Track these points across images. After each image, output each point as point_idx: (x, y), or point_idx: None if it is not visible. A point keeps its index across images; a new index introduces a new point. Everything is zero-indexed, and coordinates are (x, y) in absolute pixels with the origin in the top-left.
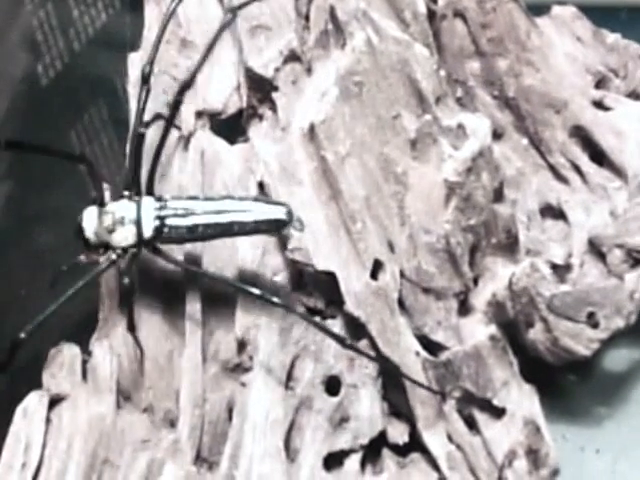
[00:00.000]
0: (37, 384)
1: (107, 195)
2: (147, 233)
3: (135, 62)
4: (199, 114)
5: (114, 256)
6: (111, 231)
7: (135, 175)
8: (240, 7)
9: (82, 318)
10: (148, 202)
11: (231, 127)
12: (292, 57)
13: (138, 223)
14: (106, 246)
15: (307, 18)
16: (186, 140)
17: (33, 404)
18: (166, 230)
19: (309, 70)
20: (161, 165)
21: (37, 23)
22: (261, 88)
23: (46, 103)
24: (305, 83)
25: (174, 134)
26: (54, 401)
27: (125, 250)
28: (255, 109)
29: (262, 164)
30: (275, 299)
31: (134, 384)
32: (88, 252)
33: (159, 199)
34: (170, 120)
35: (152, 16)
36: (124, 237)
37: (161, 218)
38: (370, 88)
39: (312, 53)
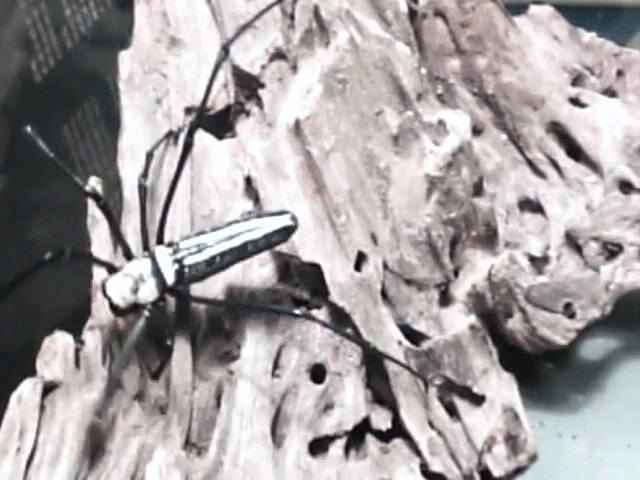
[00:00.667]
0: (31, 372)
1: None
2: (170, 280)
3: (125, 60)
4: (188, 110)
5: (146, 313)
6: (135, 291)
7: (143, 230)
8: (231, 41)
9: (75, 308)
10: (161, 251)
11: (219, 123)
12: (278, 55)
13: (158, 274)
14: (136, 306)
15: (292, 17)
16: (175, 135)
17: (27, 391)
18: (186, 271)
19: (294, 68)
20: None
21: (31, 22)
22: (248, 85)
23: (40, 99)
24: (290, 80)
25: (164, 129)
26: (48, 388)
27: (154, 303)
28: (242, 105)
29: (249, 159)
30: (297, 311)
31: (125, 372)
32: (121, 317)
33: (170, 244)
34: (180, 165)
35: (142, 15)
36: (149, 292)
37: (178, 261)
38: (353, 85)
39: (297, 51)
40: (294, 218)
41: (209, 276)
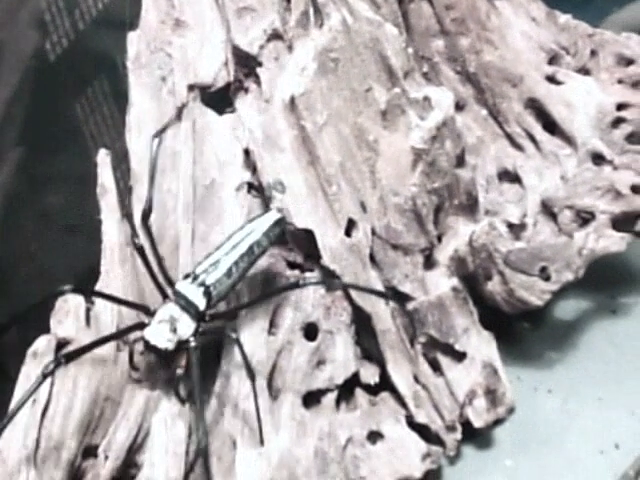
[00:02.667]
0: (45, 329)
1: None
2: (201, 305)
3: (133, 40)
4: (191, 87)
5: (193, 344)
6: (175, 330)
7: (161, 269)
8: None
9: (86, 270)
10: (182, 284)
11: (220, 99)
12: (275, 36)
13: (189, 306)
14: (180, 343)
15: (288, 0)
16: (179, 111)
17: (42, 347)
18: (212, 290)
19: (290, 47)
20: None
21: (45, 5)
22: (247, 64)
23: (53, 77)
24: (286, 59)
25: (169, 105)
26: (61, 344)
27: (195, 334)
28: (241, 83)
29: (247, 132)
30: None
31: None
32: (174, 359)
33: (187, 276)
34: None
35: None
36: (187, 326)
37: (202, 284)
38: (345, 64)
39: (293, 32)
40: (279, 210)
41: (232, 289)
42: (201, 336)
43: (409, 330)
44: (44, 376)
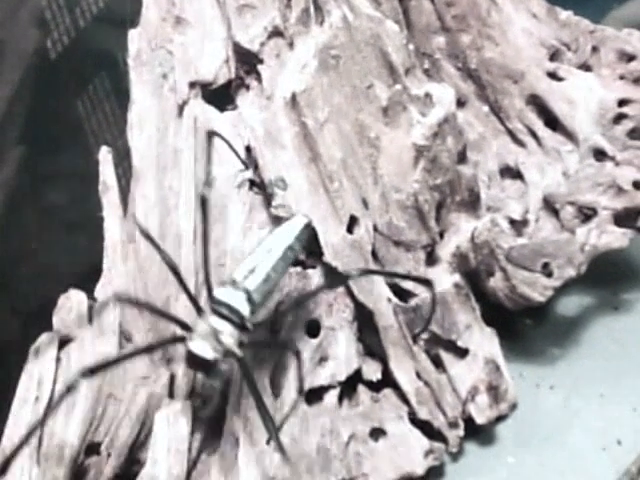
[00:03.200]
0: (48, 327)
1: None
2: (246, 311)
3: (134, 38)
4: (192, 84)
5: (239, 353)
6: (219, 341)
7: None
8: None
9: (88, 268)
10: (221, 292)
11: (221, 96)
12: (276, 33)
13: (232, 312)
14: (226, 354)
15: None
16: (180, 108)
17: (45, 344)
18: (255, 296)
19: (291, 45)
20: (158, 130)
21: (46, 3)
22: (248, 61)
23: (55, 75)
24: (287, 56)
25: (170, 102)
26: (63, 342)
27: (241, 343)
28: (242, 80)
29: (249, 129)
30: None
31: (135, 327)
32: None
33: (223, 283)
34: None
35: None
36: (231, 335)
37: (244, 290)
38: (346, 61)
39: (294, 29)
40: (306, 215)
41: (270, 296)
42: (248, 348)
43: (411, 327)
44: (68, 389)
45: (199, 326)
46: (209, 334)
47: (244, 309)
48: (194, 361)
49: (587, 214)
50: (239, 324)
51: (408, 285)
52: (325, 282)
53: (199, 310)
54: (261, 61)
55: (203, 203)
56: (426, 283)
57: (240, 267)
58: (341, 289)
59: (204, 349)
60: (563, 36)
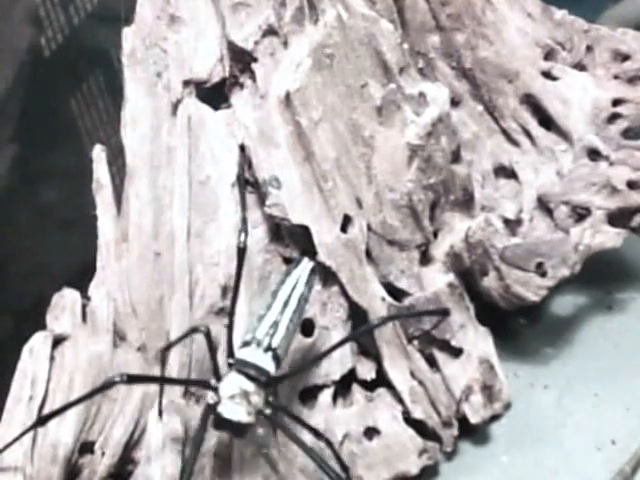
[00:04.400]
0: (42, 326)
1: None
2: (272, 369)
3: (128, 36)
4: (186, 83)
5: (268, 411)
6: (250, 402)
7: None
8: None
9: (81, 267)
10: (246, 353)
11: (215, 95)
12: (270, 31)
13: (259, 372)
14: (258, 412)
15: None
16: (174, 106)
17: (38, 343)
18: (279, 352)
19: (285, 43)
20: (152, 129)
21: (40, 0)
22: (242, 59)
23: (48, 73)
24: (282, 55)
25: (164, 100)
26: (57, 341)
27: (268, 402)
28: (237, 78)
29: (243, 128)
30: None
31: (129, 325)
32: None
33: (246, 343)
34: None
35: None
36: (258, 395)
37: (268, 348)
38: (340, 60)
39: (288, 28)
40: (310, 258)
41: (289, 345)
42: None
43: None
44: (102, 387)
45: (225, 388)
46: (239, 396)
47: (271, 368)
48: (227, 425)
49: (581, 214)
50: (265, 382)
51: (402, 284)
52: (351, 333)
53: (216, 373)
54: (255, 60)
55: (240, 253)
56: (443, 313)
57: (261, 324)
58: (335, 288)
59: (238, 413)
60: (558, 35)
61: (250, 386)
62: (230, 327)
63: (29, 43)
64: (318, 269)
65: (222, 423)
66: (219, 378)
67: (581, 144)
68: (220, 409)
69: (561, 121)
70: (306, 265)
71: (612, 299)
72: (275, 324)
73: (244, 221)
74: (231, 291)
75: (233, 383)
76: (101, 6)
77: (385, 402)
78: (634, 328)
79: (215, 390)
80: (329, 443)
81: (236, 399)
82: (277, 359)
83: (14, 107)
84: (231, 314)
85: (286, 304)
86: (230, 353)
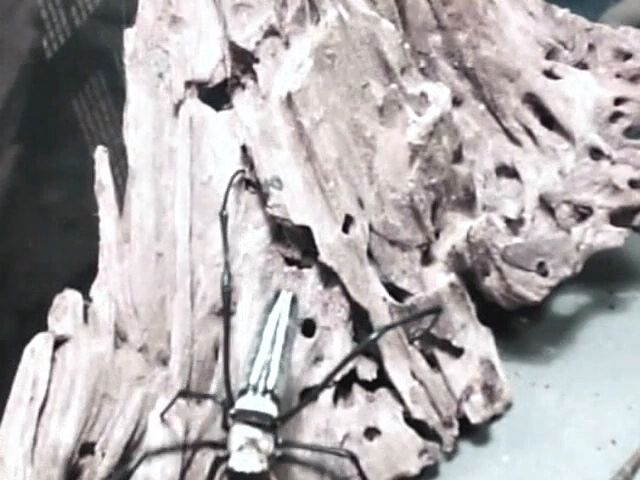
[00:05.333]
0: (43, 327)
1: None
2: (274, 412)
3: (130, 37)
4: (188, 84)
5: (279, 453)
6: (259, 449)
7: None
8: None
9: (83, 268)
10: (244, 402)
11: (217, 95)
12: (271, 32)
13: (261, 417)
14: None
15: None
16: (176, 107)
17: (40, 345)
18: (277, 392)
19: (287, 44)
20: (154, 130)
21: (42, 2)
22: (244, 60)
23: (51, 74)
24: (283, 56)
25: (166, 101)
26: (58, 342)
27: (277, 444)
28: (238, 79)
29: (245, 129)
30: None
31: (130, 326)
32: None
33: (243, 391)
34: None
35: None
36: (267, 439)
37: (265, 392)
38: (341, 60)
39: (289, 28)
40: (288, 289)
41: (286, 383)
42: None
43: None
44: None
45: (233, 441)
46: (247, 445)
47: (272, 411)
48: (242, 478)
49: (583, 213)
50: (270, 425)
51: (403, 284)
52: (352, 350)
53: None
54: (257, 60)
55: (225, 296)
56: (437, 310)
57: (253, 369)
58: (336, 288)
59: (250, 463)
60: (559, 34)
61: (256, 433)
62: (227, 380)
63: (31, 45)
64: (297, 297)
65: (237, 477)
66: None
67: (583, 143)
68: (231, 464)
69: (563, 120)
70: (286, 297)
71: (614, 298)
72: (267, 365)
73: (226, 265)
74: (233, 291)
75: (239, 434)
76: (103, 7)
77: (386, 402)
78: (636, 327)
79: (221, 446)
80: (354, 458)
81: (245, 450)
82: (276, 400)
83: (16, 108)
84: (226, 357)
85: (274, 342)
86: (230, 401)
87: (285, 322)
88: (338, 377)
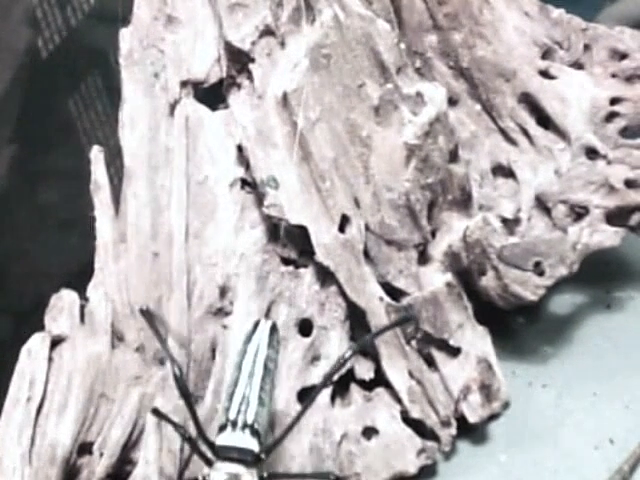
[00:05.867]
0: (40, 327)
1: None
2: (256, 447)
3: (126, 37)
4: (184, 84)
5: None
6: None
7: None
8: None
9: (80, 267)
10: (223, 438)
11: (213, 95)
12: (267, 32)
13: (242, 453)
14: None
15: None
16: (172, 107)
17: (36, 345)
18: (256, 426)
19: (282, 44)
20: (150, 129)
21: (37, 1)
22: (239, 60)
23: (46, 74)
24: (279, 55)
25: (162, 101)
26: (55, 342)
27: (262, 477)
28: (234, 79)
29: (241, 128)
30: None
31: (127, 326)
32: None
33: (223, 427)
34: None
35: None
36: (250, 474)
37: (244, 426)
38: (337, 60)
39: (285, 28)
40: (265, 317)
41: (268, 414)
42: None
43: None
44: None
45: (217, 478)
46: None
47: (253, 445)
48: None
49: (579, 213)
50: (253, 460)
51: (400, 284)
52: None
53: (207, 462)
54: (252, 60)
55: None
56: (409, 320)
57: (230, 404)
58: (333, 288)
59: None
60: (555, 34)
61: (239, 469)
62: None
63: (27, 44)
64: (277, 325)
65: None
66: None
67: (579, 143)
68: None
69: (559, 120)
70: (264, 326)
71: (611, 298)
72: (245, 399)
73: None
74: (230, 291)
75: (221, 471)
76: (98, 7)
77: (383, 402)
78: (633, 327)
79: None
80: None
81: None
82: (257, 434)
83: (12, 108)
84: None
85: (252, 374)
86: (208, 442)
87: (264, 353)
88: (336, 376)
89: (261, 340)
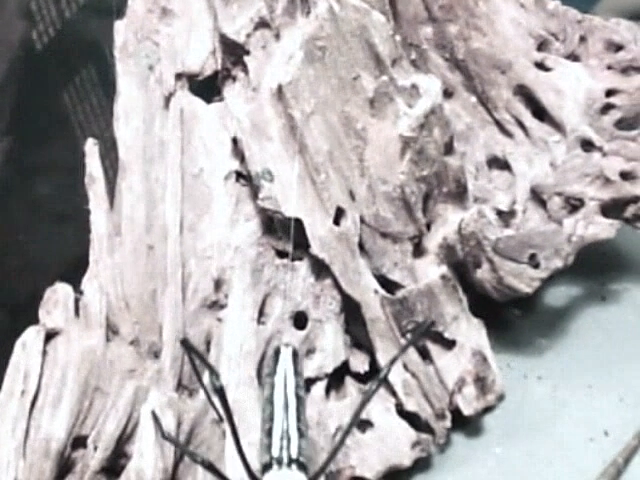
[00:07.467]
0: (34, 320)
1: None
2: (294, 453)
3: (120, 29)
4: (178, 76)
5: None
6: None
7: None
8: None
9: (74, 260)
10: (272, 476)
11: (207, 88)
12: (262, 24)
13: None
14: None
15: None
16: (167, 99)
17: (31, 338)
18: (302, 459)
19: (277, 36)
20: (145, 122)
21: None
22: (234, 52)
23: (40, 66)
24: (274, 48)
25: (157, 94)
26: (50, 335)
27: None
28: (229, 71)
29: (235, 121)
30: None
31: (122, 319)
32: None
33: (267, 465)
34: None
35: None
36: None
37: (291, 462)
38: (332, 52)
39: (280, 20)
40: (287, 344)
41: (309, 443)
42: None
43: (398, 319)
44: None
45: None
46: None
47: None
48: None
49: (574, 205)
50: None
51: (395, 277)
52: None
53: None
54: (247, 52)
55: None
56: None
57: (272, 440)
58: (328, 281)
59: None
60: (551, 26)
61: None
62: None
63: (21, 37)
64: (297, 350)
65: None
66: None
67: (574, 135)
68: None
69: (554, 112)
70: (286, 353)
71: (606, 290)
72: (285, 433)
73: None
74: (225, 284)
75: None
76: None
77: (378, 394)
78: (628, 319)
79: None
80: None
81: None
82: (303, 467)
83: (6, 101)
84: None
85: (286, 407)
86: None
87: (292, 382)
88: (330, 369)
89: (287, 369)
